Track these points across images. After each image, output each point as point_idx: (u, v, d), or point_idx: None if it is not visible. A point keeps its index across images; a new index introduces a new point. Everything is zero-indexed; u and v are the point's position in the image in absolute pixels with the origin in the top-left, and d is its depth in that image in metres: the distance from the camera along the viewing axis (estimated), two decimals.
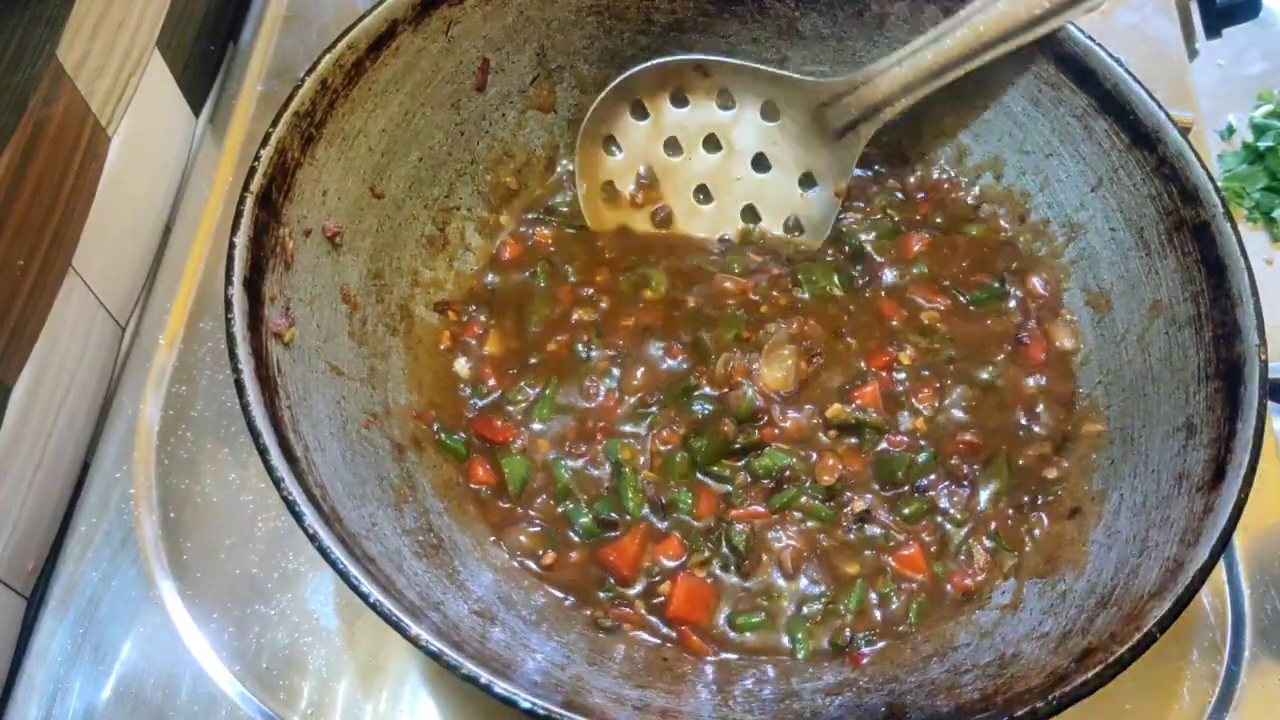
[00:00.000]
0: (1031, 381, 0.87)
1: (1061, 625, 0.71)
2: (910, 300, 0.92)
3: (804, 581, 0.79)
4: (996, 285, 0.92)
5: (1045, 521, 0.81)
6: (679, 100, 0.95)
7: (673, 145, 0.97)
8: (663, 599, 0.78)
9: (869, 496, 0.82)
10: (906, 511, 0.81)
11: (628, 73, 0.93)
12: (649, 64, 0.93)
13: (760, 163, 0.96)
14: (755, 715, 0.70)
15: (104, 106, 0.91)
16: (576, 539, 0.80)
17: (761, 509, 0.81)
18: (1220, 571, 0.88)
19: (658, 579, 0.79)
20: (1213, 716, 0.83)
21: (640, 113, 0.96)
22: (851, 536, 0.81)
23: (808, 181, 0.95)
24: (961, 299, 0.92)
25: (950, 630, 0.77)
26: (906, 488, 0.82)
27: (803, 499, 0.82)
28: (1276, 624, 0.86)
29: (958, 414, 0.86)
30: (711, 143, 0.97)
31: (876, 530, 0.81)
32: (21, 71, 0.79)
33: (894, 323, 0.90)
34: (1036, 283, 0.91)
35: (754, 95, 0.94)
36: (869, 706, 0.70)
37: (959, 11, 0.84)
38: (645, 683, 0.71)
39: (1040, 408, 0.86)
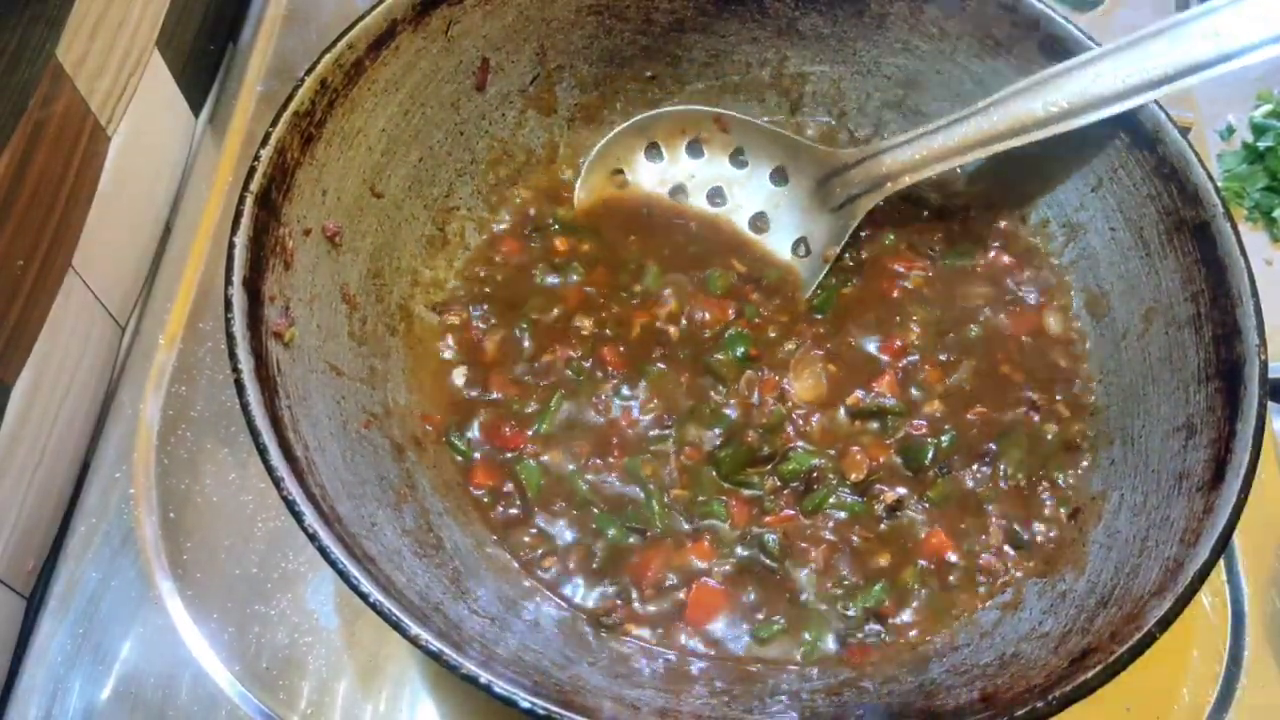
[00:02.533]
0: (1024, 338, 0.89)
1: (1061, 625, 0.71)
2: (897, 271, 0.93)
3: (835, 577, 0.79)
4: (959, 243, 0.94)
5: (1053, 498, 0.82)
6: (694, 150, 0.97)
7: (679, 191, 0.97)
8: (676, 603, 0.78)
9: (900, 489, 0.82)
10: (932, 495, 0.82)
11: (650, 113, 0.95)
12: (673, 109, 0.96)
13: (758, 222, 0.96)
14: (755, 716, 0.70)
15: (104, 106, 0.91)
16: (597, 547, 0.79)
17: (793, 512, 0.81)
18: (1220, 571, 0.88)
19: (674, 584, 0.78)
20: (1213, 716, 0.83)
21: (654, 154, 0.97)
22: (884, 528, 0.81)
23: (801, 245, 0.94)
24: (932, 255, 0.93)
25: (950, 630, 0.77)
26: (932, 472, 0.82)
27: (832, 498, 0.82)
28: (1276, 624, 0.86)
29: (966, 387, 0.86)
30: (717, 195, 0.97)
31: (911, 516, 0.81)
32: (21, 71, 0.79)
33: (894, 295, 0.91)
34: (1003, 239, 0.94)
35: (768, 158, 0.95)
36: (870, 707, 0.70)
37: (977, 102, 0.85)
38: (644, 683, 0.71)
39: (1037, 356, 0.88)
